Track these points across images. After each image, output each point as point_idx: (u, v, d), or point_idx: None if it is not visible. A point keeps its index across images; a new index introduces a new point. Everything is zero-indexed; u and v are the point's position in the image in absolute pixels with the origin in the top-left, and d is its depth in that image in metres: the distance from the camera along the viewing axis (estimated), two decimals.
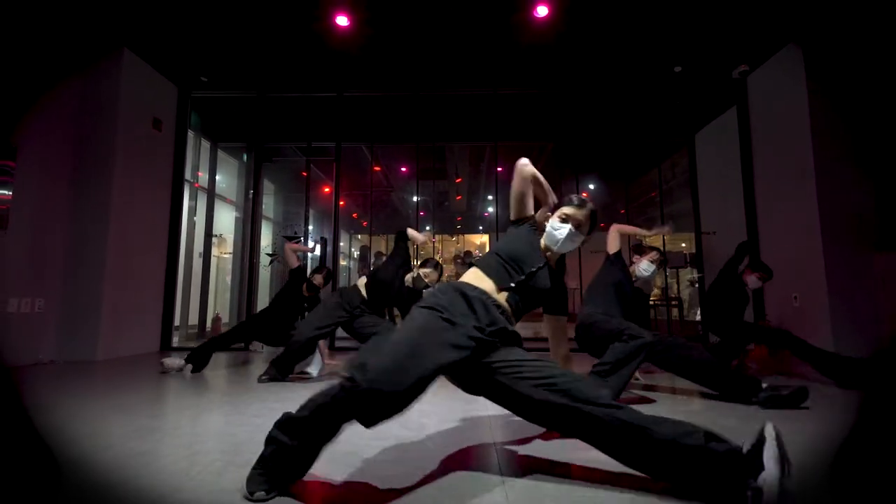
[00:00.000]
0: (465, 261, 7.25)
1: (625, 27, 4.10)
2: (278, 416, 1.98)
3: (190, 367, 3.29)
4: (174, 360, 3.32)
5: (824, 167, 4.01)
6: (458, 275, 7.56)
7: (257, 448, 1.57)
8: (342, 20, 3.90)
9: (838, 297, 3.87)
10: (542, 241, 1.63)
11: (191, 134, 5.53)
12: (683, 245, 7.78)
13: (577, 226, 1.60)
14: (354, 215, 10.56)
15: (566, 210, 1.62)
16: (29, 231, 3.77)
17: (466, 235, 11.90)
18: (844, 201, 3.97)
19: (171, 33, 4.15)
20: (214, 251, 6.76)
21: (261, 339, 3.69)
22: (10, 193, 3.57)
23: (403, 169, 8.04)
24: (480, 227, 11.49)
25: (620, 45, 4.40)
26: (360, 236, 11.17)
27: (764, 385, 2.34)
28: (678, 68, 4.74)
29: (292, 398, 2.47)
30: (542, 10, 3.84)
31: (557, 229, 1.59)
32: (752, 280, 3.43)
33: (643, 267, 2.93)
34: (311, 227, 6.17)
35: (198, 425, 1.95)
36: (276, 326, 3.57)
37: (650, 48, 4.45)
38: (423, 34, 4.23)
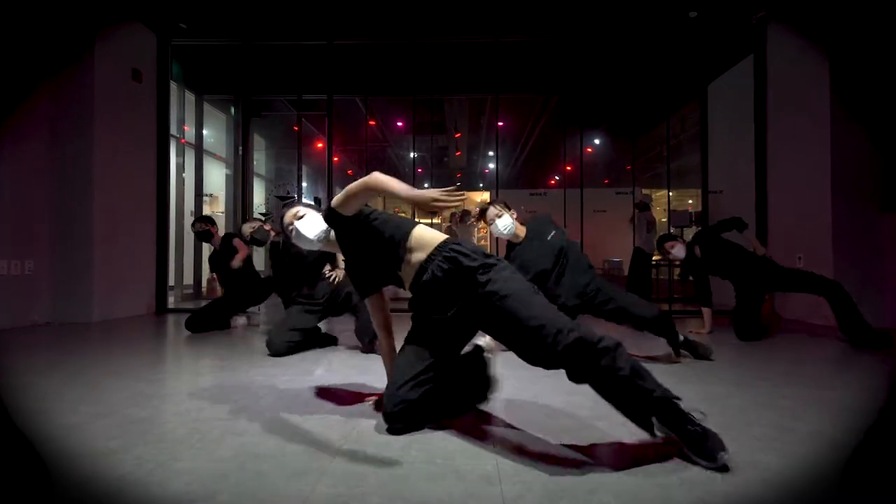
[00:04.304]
0: (464, 220, 7.11)
1: None
2: (276, 382, 2.02)
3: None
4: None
5: (840, 120, 3.82)
6: (455, 234, 7.45)
7: (255, 415, 1.59)
8: None
9: (844, 257, 3.81)
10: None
11: (174, 86, 5.22)
12: (690, 202, 7.64)
13: None
14: (350, 172, 10.28)
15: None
16: (10, 191, 3.63)
17: (467, 192, 11.67)
18: (857, 158, 3.82)
19: None
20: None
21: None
22: None
23: (399, 123, 7.73)
24: (481, 184, 11.19)
25: None
26: None
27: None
28: (694, 13, 4.41)
29: (288, 363, 2.43)
30: None
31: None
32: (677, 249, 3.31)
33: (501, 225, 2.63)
34: (304, 185, 5.99)
35: (196, 391, 1.92)
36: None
37: None
38: None
